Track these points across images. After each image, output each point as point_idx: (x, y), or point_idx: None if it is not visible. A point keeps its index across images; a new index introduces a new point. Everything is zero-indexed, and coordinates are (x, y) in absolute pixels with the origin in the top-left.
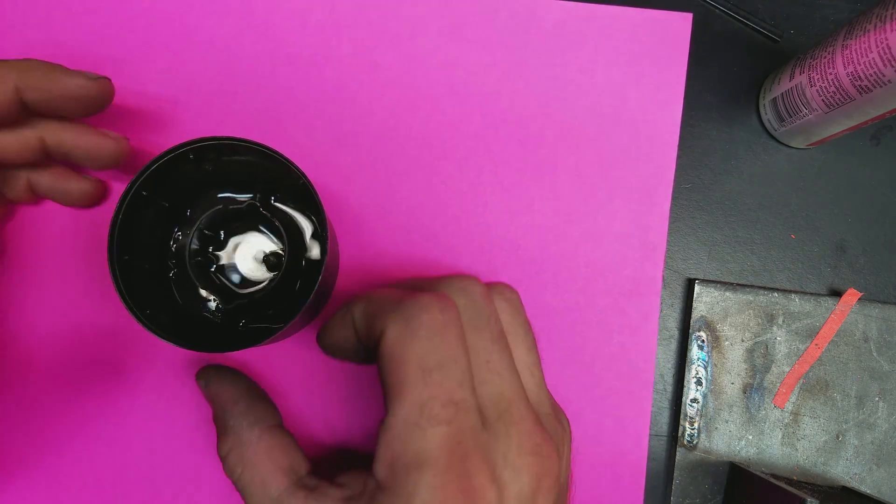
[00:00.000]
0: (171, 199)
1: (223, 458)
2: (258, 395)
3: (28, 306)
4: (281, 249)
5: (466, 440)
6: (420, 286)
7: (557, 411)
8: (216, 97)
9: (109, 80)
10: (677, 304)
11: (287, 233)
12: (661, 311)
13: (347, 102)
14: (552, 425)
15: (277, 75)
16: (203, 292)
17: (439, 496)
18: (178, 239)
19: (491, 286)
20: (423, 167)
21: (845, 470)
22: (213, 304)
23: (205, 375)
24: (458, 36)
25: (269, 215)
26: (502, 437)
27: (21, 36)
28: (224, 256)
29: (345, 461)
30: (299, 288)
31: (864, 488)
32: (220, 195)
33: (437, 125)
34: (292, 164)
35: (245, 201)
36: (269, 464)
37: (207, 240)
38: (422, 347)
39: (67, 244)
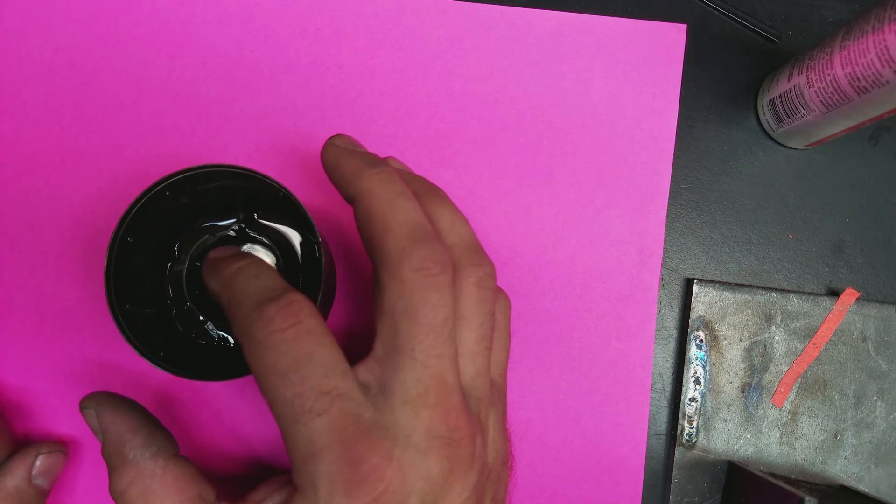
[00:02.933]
0: (156, 238)
1: (120, 494)
2: (156, 424)
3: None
4: (275, 265)
5: (352, 425)
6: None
7: (494, 397)
8: (216, 104)
9: (63, 453)
10: (676, 304)
11: (279, 247)
12: (660, 310)
13: (347, 110)
14: (478, 408)
15: (277, 83)
16: (208, 321)
17: (338, 483)
18: (173, 274)
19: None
20: (421, 174)
21: (843, 469)
22: (221, 330)
23: (94, 404)
24: (457, 45)
25: (256, 235)
26: (408, 418)
27: (20, 42)
28: None
29: (262, 476)
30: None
31: (862, 487)
32: (204, 224)
33: (435, 133)
34: (269, 178)
35: (230, 226)
36: (176, 495)
37: (201, 271)
38: (271, 358)
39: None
